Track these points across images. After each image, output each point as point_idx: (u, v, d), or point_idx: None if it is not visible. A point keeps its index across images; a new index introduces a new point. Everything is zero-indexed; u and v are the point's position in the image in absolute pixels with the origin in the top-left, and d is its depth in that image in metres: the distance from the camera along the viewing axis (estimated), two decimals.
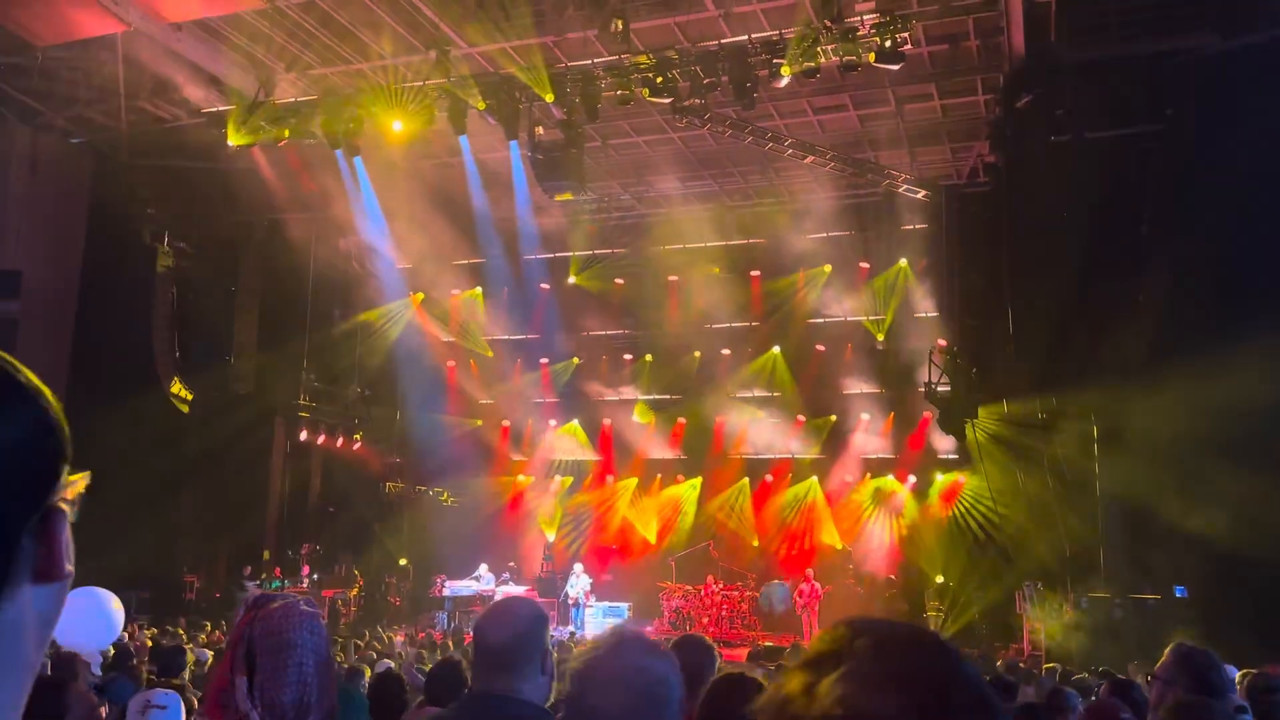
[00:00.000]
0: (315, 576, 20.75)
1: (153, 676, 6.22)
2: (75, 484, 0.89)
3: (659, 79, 15.86)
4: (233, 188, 20.21)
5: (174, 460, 17.37)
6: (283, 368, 21.45)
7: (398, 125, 17.18)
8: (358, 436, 23.68)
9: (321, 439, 22.76)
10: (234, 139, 17.66)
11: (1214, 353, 12.30)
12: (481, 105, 16.97)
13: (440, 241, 22.47)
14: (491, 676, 2.20)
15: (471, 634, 2.39)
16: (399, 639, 14.71)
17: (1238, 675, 4.57)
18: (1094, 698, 5.16)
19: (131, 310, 19.75)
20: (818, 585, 19.48)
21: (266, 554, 21.06)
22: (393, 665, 8.48)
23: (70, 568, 0.85)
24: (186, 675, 7.01)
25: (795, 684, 0.80)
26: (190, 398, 20.45)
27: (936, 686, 0.75)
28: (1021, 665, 11.34)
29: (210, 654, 9.85)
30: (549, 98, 16.57)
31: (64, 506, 0.85)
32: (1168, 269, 14.28)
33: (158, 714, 3.70)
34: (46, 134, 18.97)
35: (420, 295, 24.57)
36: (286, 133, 17.82)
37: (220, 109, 17.90)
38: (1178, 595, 14.06)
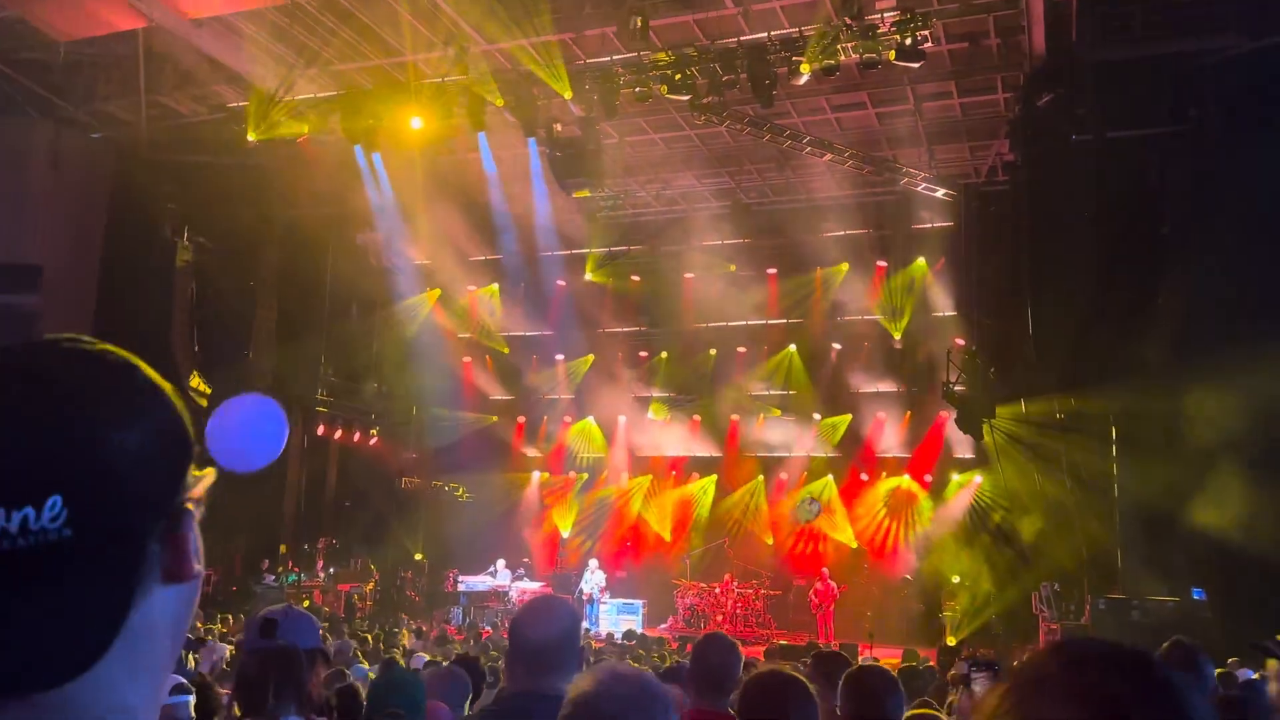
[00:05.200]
0: (331, 571, 20.83)
1: None
2: (202, 480, 0.89)
3: (677, 76, 15.86)
4: (252, 183, 20.28)
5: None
6: (301, 363, 21.52)
7: (416, 122, 17.21)
8: (374, 432, 23.76)
9: (338, 434, 22.84)
10: (254, 134, 17.72)
11: (1234, 355, 12.21)
12: (500, 102, 17.00)
13: (457, 238, 22.52)
14: (534, 675, 2.21)
15: (509, 632, 2.40)
16: (408, 640, 14.70)
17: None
18: None
19: (151, 304, 19.83)
20: (833, 585, 19.45)
21: (283, 548, 21.14)
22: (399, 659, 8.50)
23: (199, 567, 0.86)
24: (207, 669, 7.04)
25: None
26: (209, 392, 20.53)
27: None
28: None
29: (229, 648, 9.85)
30: (567, 95, 16.58)
31: (190, 506, 0.86)
32: (1189, 270, 14.17)
33: None
34: (68, 129, 19.08)
35: (437, 291, 24.61)
36: (306, 128, 17.89)
37: (240, 104, 17.98)
38: (1195, 598, 13.97)
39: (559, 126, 17.97)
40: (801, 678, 2.60)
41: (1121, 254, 14.77)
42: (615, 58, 16.29)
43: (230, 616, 13.98)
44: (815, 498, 21.49)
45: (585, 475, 25.30)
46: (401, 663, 7.89)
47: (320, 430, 22.43)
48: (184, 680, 3.85)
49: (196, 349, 20.72)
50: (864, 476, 22.62)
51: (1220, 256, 13.56)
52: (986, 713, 0.82)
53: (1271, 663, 2.20)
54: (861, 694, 2.99)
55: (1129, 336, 14.56)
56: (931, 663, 10.47)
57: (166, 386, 0.88)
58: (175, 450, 0.85)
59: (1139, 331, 14.53)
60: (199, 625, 12.29)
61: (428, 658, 9.58)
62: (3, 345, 0.84)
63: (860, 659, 11.79)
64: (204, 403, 20.41)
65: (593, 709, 1.80)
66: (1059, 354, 15.12)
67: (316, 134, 18.18)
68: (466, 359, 25.72)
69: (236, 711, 2.88)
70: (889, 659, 12.69)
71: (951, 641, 16.87)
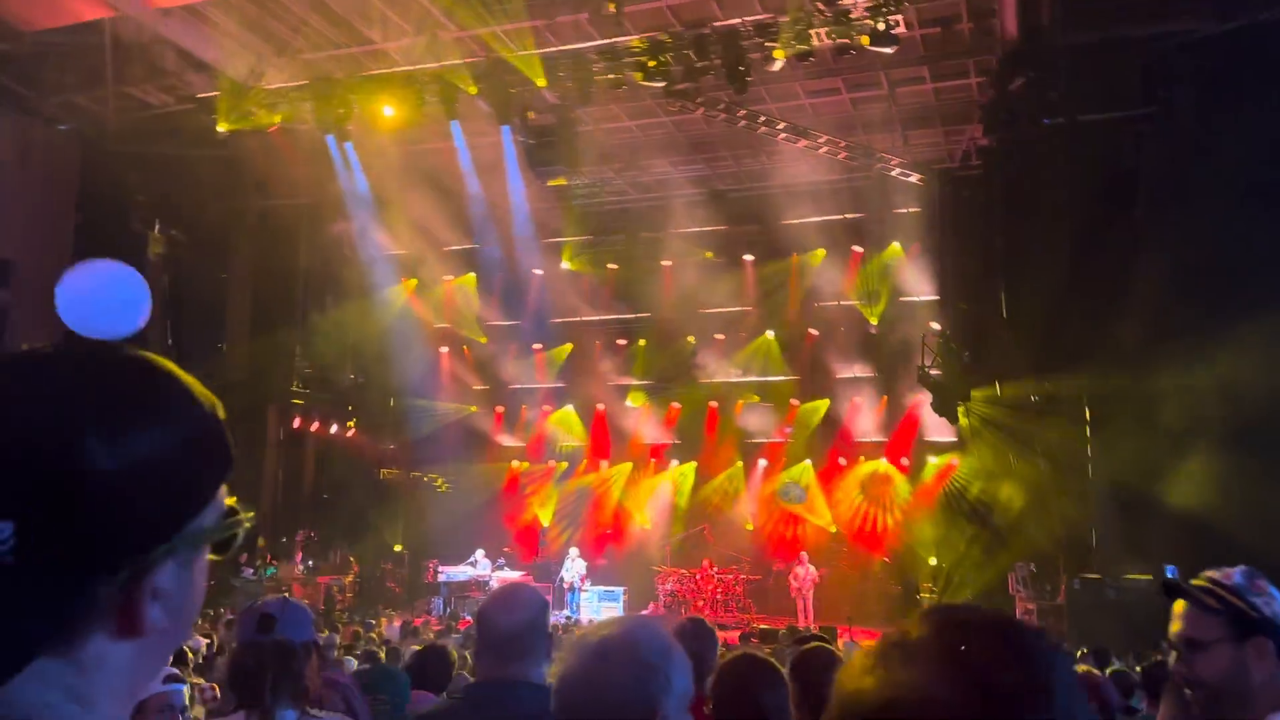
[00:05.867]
0: (311, 563, 20.74)
1: None
2: (233, 520, 0.84)
3: (651, 62, 15.80)
4: (224, 174, 20.08)
5: None
6: (276, 355, 21.36)
7: (389, 110, 17.09)
8: (351, 424, 23.64)
9: (315, 426, 22.71)
10: (224, 125, 17.55)
11: (1208, 336, 12.33)
12: (473, 90, 16.89)
13: (432, 227, 22.39)
14: (502, 663, 2.21)
15: (476, 620, 2.38)
16: (394, 624, 14.69)
17: None
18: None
19: None
20: (812, 569, 19.55)
21: (262, 541, 20.99)
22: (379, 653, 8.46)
23: (154, 626, 0.78)
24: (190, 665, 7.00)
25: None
26: None
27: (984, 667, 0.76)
28: None
29: (204, 641, 9.80)
30: (541, 82, 16.48)
31: (173, 558, 0.79)
32: (1161, 252, 14.28)
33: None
34: (34, 121, 18.79)
35: (413, 281, 24.49)
36: (277, 118, 17.73)
37: (210, 95, 17.78)
38: (1169, 575, 14.11)
39: (533, 114, 17.87)
40: (772, 660, 2.60)
41: (1094, 236, 14.84)
42: (589, 44, 16.20)
43: (210, 610, 13.89)
44: (795, 481, 21.64)
45: (565, 464, 25.31)
46: (381, 655, 7.87)
47: (297, 423, 22.30)
48: (177, 670, 3.87)
49: (170, 342, 20.53)
50: (842, 461, 22.74)
51: (1193, 237, 13.66)
52: (851, 673, 0.81)
53: (1180, 604, 2.07)
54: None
55: (1102, 318, 14.67)
56: None
57: (206, 397, 0.81)
58: (170, 485, 0.78)
59: (1112, 313, 14.63)
60: None
61: (417, 648, 9.53)
62: (10, 352, 0.80)
63: (841, 642, 11.88)
64: None
65: (583, 699, 1.68)
66: (1033, 337, 15.23)
67: (288, 124, 18.01)
68: (444, 349, 25.63)
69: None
70: (869, 641, 12.76)
71: None
